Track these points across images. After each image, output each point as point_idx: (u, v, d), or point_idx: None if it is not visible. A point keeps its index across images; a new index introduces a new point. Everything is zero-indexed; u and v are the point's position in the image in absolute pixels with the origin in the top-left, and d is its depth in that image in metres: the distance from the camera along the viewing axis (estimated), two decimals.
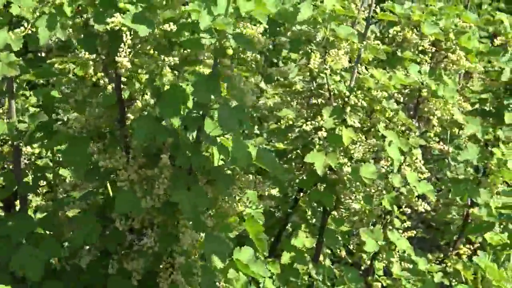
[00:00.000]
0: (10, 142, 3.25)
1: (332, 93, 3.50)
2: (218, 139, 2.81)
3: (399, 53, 3.71)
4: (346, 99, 3.46)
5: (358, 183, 3.55)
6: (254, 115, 4.04)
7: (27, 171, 3.37)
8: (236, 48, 2.62)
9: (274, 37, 3.48)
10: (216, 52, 2.67)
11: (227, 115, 2.68)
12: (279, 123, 3.82)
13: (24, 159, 3.42)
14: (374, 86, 3.47)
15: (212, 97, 2.67)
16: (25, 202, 3.35)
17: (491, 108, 4.00)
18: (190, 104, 2.71)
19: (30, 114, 3.18)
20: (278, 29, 3.15)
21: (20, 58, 2.93)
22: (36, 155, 3.52)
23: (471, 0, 5.61)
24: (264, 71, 4.11)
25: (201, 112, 2.74)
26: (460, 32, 3.73)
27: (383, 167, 3.61)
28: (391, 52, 3.69)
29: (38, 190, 3.43)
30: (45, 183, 3.42)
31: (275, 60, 4.43)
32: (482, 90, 4.01)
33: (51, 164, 3.42)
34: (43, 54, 3.34)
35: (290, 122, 3.67)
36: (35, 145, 3.40)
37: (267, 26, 2.72)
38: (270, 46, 3.11)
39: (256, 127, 4.07)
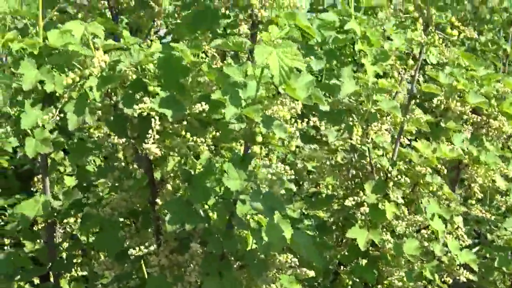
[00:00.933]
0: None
1: (374, 167, 3.40)
2: (252, 221, 2.73)
3: (442, 124, 3.59)
4: (389, 174, 3.34)
5: (401, 259, 3.43)
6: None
7: (60, 247, 3.33)
8: (267, 134, 2.54)
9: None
10: (245, 137, 2.59)
11: (259, 202, 2.60)
12: (318, 187, 3.72)
13: (60, 228, 3.39)
14: (417, 160, 3.36)
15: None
16: (59, 275, 3.30)
17: None
18: (221, 188, 2.62)
19: (64, 191, 3.14)
20: None
21: (56, 133, 2.90)
22: (71, 224, 3.48)
23: None
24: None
25: (232, 198, 2.65)
26: (501, 98, 3.61)
27: (424, 237, 3.48)
28: (434, 123, 3.57)
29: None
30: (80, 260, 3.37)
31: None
32: None
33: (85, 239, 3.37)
34: None
35: (332, 192, 3.58)
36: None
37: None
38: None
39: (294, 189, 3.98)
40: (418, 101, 3.63)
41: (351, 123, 3.32)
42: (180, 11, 3.23)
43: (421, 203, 3.43)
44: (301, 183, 4.20)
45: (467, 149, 3.62)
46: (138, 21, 3.41)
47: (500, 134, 3.74)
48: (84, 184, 3.23)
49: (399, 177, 3.32)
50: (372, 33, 3.43)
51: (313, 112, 3.34)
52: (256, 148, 2.53)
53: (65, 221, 3.38)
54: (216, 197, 2.64)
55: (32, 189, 3.48)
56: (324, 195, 3.65)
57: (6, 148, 3.94)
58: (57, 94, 2.75)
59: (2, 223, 3.70)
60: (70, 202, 3.11)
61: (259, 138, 2.52)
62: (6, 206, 3.68)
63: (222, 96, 2.48)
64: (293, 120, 2.62)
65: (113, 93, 2.67)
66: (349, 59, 3.61)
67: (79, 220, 3.37)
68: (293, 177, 2.56)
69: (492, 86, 3.69)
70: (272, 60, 2.43)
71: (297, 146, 4.14)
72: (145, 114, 2.51)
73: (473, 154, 3.61)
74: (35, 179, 3.39)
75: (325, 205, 3.63)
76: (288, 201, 3.94)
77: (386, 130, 3.27)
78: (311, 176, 3.85)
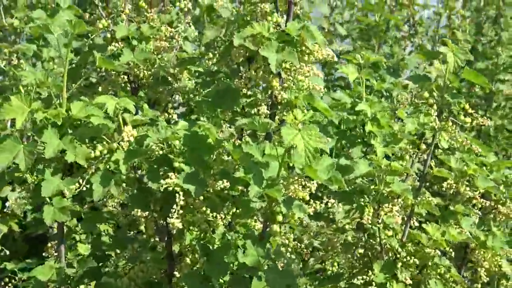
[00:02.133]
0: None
1: (383, 247, 3.49)
2: None
3: (451, 207, 3.69)
4: (398, 254, 3.43)
5: None
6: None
7: None
8: (287, 213, 2.64)
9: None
10: (266, 216, 2.69)
11: (274, 279, 2.68)
12: (323, 264, 3.79)
13: None
14: (426, 243, 3.45)
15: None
16: None
17: None
18: (238, 265, 2.71)
19: (79, 259, 3.21)
20: None
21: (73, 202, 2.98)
22: None
23: None
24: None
25: (249, 274, 2.73)
26: (510, 184, 3.73)
27: None
28: (443, 206, 3.67)
29: None
30: None
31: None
32: None
33: None
34: None
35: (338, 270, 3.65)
36: None
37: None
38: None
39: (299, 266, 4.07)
40: (428, 184, 3.74)
41: (362, 203, 3.40)
42: (200, 88, 3.34)
43: (428, 284, 3.50)
44: (305, 259, 4.26)
45: (475, 233, 3.71)
46: (156, 96, 3.52)
47: (508, 220, 3.84)
48: (98, 253, 3.30)
49: (408, 258, 3.40)
50: (382, 116, 3.54)
51: (321, 190, 3.45)
52: (275, 227, 2.62)
53: None
54: (233, 273, 2.71)
55: (43, 254, 3.54)
56: (330, 273, 3.71)
57: (16, 211, 4.02)
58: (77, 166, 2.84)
59: (12, 286, 3.76)
60: (84, 270, 3.17)
61: (280, 218, 2.62)
62: (16, 270, 3.74)
63: (245, 175, 2.58)
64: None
65: (137, 167, 2.76)
66: (359, 140, 3.70)
67: None
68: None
69: (501, 173, 3.79)
70: (298, 141, 2.53)
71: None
72: (170, 189, 2.59)
73: (480, 239, 3.71)
74: (49, 244, 3.46)
75: (333, 283, 3.69)
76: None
77: (397, 211, 3.35)
78: (318, 253, 3.92)
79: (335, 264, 3.75)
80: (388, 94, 4.29)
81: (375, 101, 3.61)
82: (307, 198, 2.69)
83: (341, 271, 3.70)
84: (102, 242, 3.25)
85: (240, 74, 3.07)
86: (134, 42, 3.23)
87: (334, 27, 6.48)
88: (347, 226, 3.67)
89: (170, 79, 3.48)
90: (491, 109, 5.87)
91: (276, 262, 2.71)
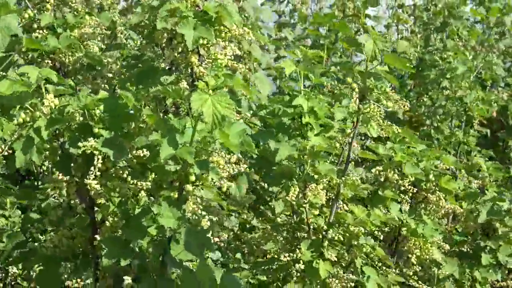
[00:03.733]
0: None
1: (311, 227, 3.67)
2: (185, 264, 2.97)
3: (380, 192, 3.88)
4: (324, 233, 3.62)
5: None
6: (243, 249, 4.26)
7: None
8: (200, 175, 2.82)
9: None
10: (180, 178, 2.87)
11: (191, 239, 2.86)
12: (265, 257, 3.96)
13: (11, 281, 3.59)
14: (352, 222, 3.63)
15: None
16: None
17: (468, 249, 4.17)
18: (157, 228, 2.88)
19: (8, 234, 3.37)
20: None
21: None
22: (20, 276, 3.69)
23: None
24: (257, 208, 4.35)
25: (167, 236, 2.91)
26: (440, 174, 3.92)
27: None
28: (373, 191, 3.86)
29: None
30: None
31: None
32: (460, 232, 4.20)
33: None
34: None
35: (274, 256, 3.82)
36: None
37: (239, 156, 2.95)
38: None
39: (242, 261, 4.24)
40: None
41: (290, 185, 3.58)
42: (126, 71, 3.50)
43: (354, 263, 3.67)
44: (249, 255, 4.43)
45: (405, 220, 3.91)
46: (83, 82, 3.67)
47: (438, 209, 4.03)
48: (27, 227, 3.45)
49: (334, 235, 3.58)
50: (320, 108, 3.72)
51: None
52: (188, 187, 2.80)
53: (15, 272, 3.58)
54: (152, 236, 2.88)
55: None
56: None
57: None
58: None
59: None
60: (13, 244, 3.33)
61: (193, 178, 2.80)
62: None
63: (160, 138, 2.77)
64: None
65: (60, 136, 2.94)
66: (297, 132, 3.88)
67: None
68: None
69: (431, 163, 4.00)
70: (206, 107, 2.72)
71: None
72: (89, 153, 2.77)
73: (411, 226, 3.90)
74: None
75: (267, 265, 3.85)
76: (236, 269, 4.22)
77: (322, 190, 3.54)
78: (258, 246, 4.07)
79: (272, 252, 3.90)
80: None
81: (311, 94, 3.80)
82: (223, 163, 2.86)
83: (275, 256, 3.86)
84: (31, 218, 3.40)
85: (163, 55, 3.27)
86: (59, 30, 3.40)
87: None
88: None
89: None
90: (433, 112, 6.12)
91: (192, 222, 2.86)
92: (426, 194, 4.05)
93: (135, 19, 3.36)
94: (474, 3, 7.64)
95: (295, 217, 3.81)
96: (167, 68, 3.31)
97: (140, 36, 3.44)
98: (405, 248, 4.03)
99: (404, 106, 3.71)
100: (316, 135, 3.71)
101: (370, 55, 3.55)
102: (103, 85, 3.44)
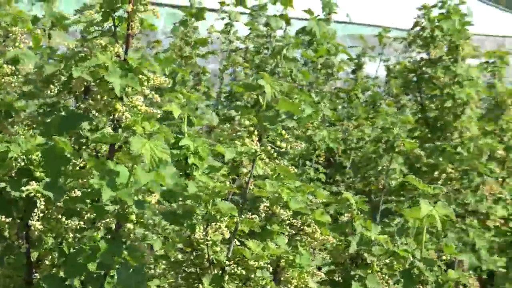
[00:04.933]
0: None
1: (212, 263, 3.97)
2: None
3: (268, 227, 4.24)
4: (226, 267, 3.93)
5: None
6: None
7: None
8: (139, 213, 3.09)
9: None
10: (119, 217, 3.12)
11: (125, 276, 3.10)
12: None
13: None
14: (250, 257, 3.96)
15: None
16: None
17: (339, 278, 4.59)
18: (93, 265, 3.10)
19: None
20: None
21: None
22: None
23: None
24: None
25: (103, 272, 3.13)
26: (314, 208, 4.34)
27: None
28: (261, 226, 4.21)
29: None
30: None
31: None
32: (331, 262, 4.61)
33: None
34: None
35: None
36: None
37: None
38: None
39: None
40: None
41: (193, 223, 3.87)
42: (43, 118, 3.68)
43: None
44: None
45: (285, 253, 4.27)
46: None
47: (312, 240, 4.43)
48: None
49: (235, 269, 3.90)
50: (203, 149, 4.05)
51: None
52: (129, 225, 3.06)
53: None
54: (90, 273, 3.10)
55: None
56: None
57: None
58: None
59: None
60: None
61: (133, 217, 3.06)
62: None
63: (100, 181, 3.01)
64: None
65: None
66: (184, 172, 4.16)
67: None
68: None
69: (306, 197, 4.40)
70: (145, 150, 3.00)
71: None
72: (31, 196, 2.97)
73: (289, 257, 4.26)
74: None
75: None
76: None
77: (225, 228, 3.86)
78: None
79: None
80: None
81: (195, 136, 4.11)
82: (155, 202, 3.13)
83: None
84: None
85: (82, 102, 3.50)
86: None
87: None
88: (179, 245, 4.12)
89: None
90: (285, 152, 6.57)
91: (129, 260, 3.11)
92: (302, 227, 4.43)
93: (49, 68, 3.57)
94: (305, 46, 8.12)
95: (193, 253, 4.08)
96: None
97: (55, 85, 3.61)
98: (283, 278, 4.38)
99: (297, 146, 4.10)
100: (207, 174, 4.02)
101: (268, 98, 3.92)
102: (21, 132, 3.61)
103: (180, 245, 4.17)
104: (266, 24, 7.38)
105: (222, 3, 7.57)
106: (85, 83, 3.51)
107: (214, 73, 8.17)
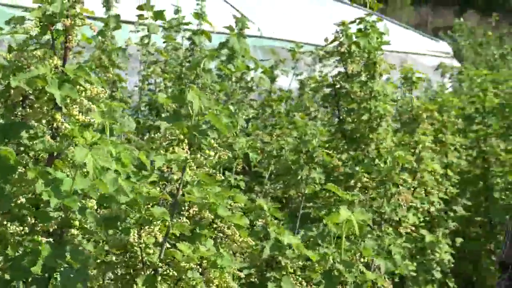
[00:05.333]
0: None
1: (145, 264, 4.17)
2: None
3: (197, 230, 4.46)
4: (158, 269, 4.13)
5: None
6: None
7: None
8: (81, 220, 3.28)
9: None
10: (63, 222, 3.30)
11: (68, 278, 3.28)
12: None
13: None
14: (180, 258, 4.18)
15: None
16: None
17: (256, 280, 4.85)
18: (38, 268, 3.26)
19: None
20: None
21: None
22: None
23: None
24: None
25: (47, 274, 3.31)
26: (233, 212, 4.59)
27: None
28: (191, 230, 4.43)
29: None
30: None
31: None
32: (249, 266, 4.87)
33: None
34: None
35: None
36: None
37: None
38: None
39: None
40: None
41: (128, 226, 4.05)
42: None
43: None
44: None
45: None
46: None
47: (232, 242, 4.66)
48: None
49: (167, 271, 4.11)
50: (125, 156, 4.22)
51: None
52: (74, 231, 3.24)
53: None
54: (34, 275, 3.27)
55: None
56: None
57: None
58: None
59: None
60: None
61: (77, 223, 3.25)
62: None
63: (46, 189, 3.19)
64: None
65: None
66: None
67: None
68: None
69: (226, 202, 4.63)
70: (88, 160, 3.20)
71: None
72: None
73: (211, 259, 4.48)
74: None
75: None
76: None
77: (158, 231, 4.06)
78: None
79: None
80: None
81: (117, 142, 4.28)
82: (95, 207, 3.32)
83: None
84: None
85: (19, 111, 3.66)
86: None
87: None
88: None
89: None
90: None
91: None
92: (223, 229, 4.67)
93: None
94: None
95: (127, 255, 4.27)
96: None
97: None
98: (205, 278, 4.60)
99: (224, 154, 4.33)
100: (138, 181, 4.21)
101: (196, 110, 4.14)
102: None
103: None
104: (190, 39, 7.58)
105: (140, 16, 7.74)
106: (23, 93, 3.66)
107: (135, 84, 8.36)
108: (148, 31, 7.97)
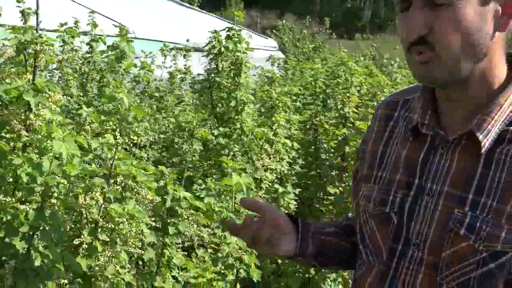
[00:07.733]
0: None
1: (88, 221, 4.62)
2: None
3: (124, 194, 4.94)
4: (99, 223, 4.59)
5: None
6: None
7: None
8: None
9: None
10: (44, 194, 3.72)
11: (47, 234, 3.71)
12: None
13: None
14: (115, 215, 4.65)
15: None
16: None
17: (160, 225, 5.39)
18: (25, 228, 3.68)
19: None
20: None
21: None
22: None
23: None
24: None
25: (32, 232, 3.72)
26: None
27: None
28: (120, 193, 4.91)
29: None
30: None
31: None
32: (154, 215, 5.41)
33: None
34: None
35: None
36: None
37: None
38: None
39: None
40: None
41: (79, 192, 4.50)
42: None
43: (116, 243, 4.69)
44: None
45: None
46: None
47: (145, 199, 5.15)
48: None
49: (105, 225, 4.57)
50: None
51: None
52: (53, 200, 3.67)
53: None
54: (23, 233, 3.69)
55: None
56: None
57: None
58: None
59: None
60: None
61: (55, 194, 3.68)
62: None
63: (33, 171, 3.61)
64: None
65: None
66: None
67: None
68: None
69: (140, 171, 5.12)
70: (63, 149, 3.64)
71: None
72: None
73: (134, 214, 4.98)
74: None
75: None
76: None
77: (98, 196, 4.52)
78: None
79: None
80: None
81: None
82: (66, 182, 3.76)
83: None
84: None
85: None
86: None
87: None
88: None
89: None
90: None
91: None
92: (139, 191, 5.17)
93: None
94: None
95: (75, 214, 4.71)
96: None
97: None
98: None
99: (147, 139, 4.82)
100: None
101: (126, 106, 4.60)
102: None
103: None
104: (88, 44, 7.75)
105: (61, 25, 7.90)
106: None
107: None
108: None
